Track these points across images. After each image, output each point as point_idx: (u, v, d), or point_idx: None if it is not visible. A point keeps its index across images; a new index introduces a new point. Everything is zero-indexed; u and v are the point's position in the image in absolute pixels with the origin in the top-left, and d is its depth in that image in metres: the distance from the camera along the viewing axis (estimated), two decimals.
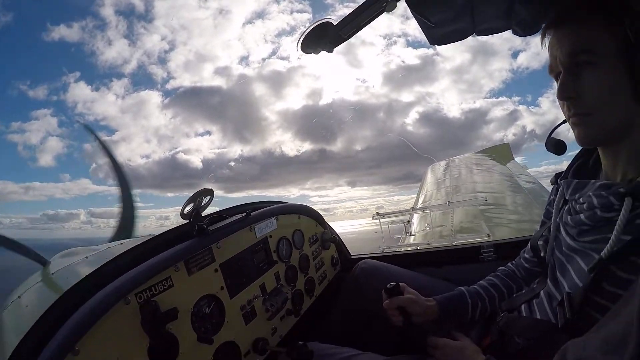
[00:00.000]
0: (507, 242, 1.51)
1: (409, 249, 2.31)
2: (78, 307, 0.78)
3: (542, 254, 0.98)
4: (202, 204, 1.10)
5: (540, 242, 1.01)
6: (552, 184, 1.01)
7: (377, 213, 2.59)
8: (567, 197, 0.89)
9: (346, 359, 1.03)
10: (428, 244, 2.68)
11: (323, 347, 1.08)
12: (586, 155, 0.93)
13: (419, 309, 1.11)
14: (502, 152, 8.17)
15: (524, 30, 0.98)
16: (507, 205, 4.14)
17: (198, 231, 1.05)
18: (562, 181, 0.91)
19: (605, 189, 0.76)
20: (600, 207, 0.76)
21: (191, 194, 1.07)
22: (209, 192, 1.10)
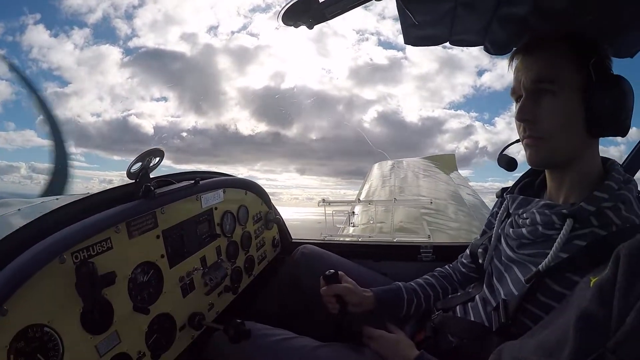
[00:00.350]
0: (446, 245, 1.64)
1: (350, 239, 2.39)
2: (8, 263, 0.66)
3: (480, 261, 1.03)
4: (151, 164, 1.01)
5: (480, 250, 1.05)
6: (497, 197, 1.08)
7: (323, 200, 2.63)
8: (510, 211, 0.95)
9: (282, 341, 1.02)
10: (369, 237, 2.80)
11: (259, 327, 1.06)
12: (533, 175, 0.99)
13: (356, 299, 1.13)
14: (447, 162, 8.47)
15: (494, 49, 1.05)
16: (448, 212, 4.40)
17: (144, 192, 0.96)
18: (507, 195, 0.97)
19: (549, 208, 0.81)
20: (543, 224, 0.82)
21: (142, 153, 0.98)
22: (159, 153, 1.01)
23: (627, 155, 1.29)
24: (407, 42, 1.06)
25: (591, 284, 0.50)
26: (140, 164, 0.97)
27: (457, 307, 1.03)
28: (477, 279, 1.09)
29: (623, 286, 0.44)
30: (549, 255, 0.76)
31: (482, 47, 1.08)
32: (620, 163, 0.97)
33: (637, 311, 0.41)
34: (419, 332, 1.10)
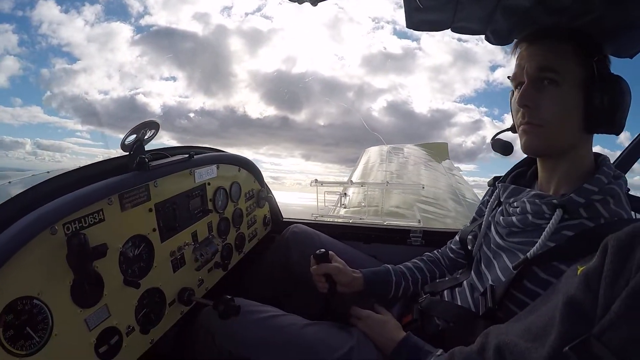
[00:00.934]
0: (436, 230, 1.64)
1: (341, 221, 2.38)
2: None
3: (470, 247, 1.06)
4: (146, 136, 0.97)
5: (469, 237, 1.08)
6: (489, 186, 1.10)
7: (316, 180, 2.61)
8: (501, 200, 0.96)
9: (271, 318, 1.02)
10: (360, 219, 2.82)
11: (249, 303, 1.05)
12: (526, 166, 1.01)
13: (345, 279, 1.13)
14: (439, 150, 8.46)
15: (495, 39, 1.05)
16: (439, 200, 4.46)
17: (138, 165, 0.93)
18: (499, 184, 0.98)
19: (539, 198, 0.83)
20: (533, 213, 0.83)
21: (137, 125, 0.94)
22: (155, 126, 0.97)
23: (620, 153, 1.33)
24: (409, 25, 1.04)
25: (578, 272, 0.52)
26: (135, 135, 0.93)
27: (445, 292, 1.05)
28: (465, 265, 1.11)
29: (609, 275, 0.46)
30: (538, 244, 0.78)
31: (484, 35, 1.07)
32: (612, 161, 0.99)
33: (622, 300, 0.42)
34: (405, 314, 1.11)
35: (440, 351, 0.83)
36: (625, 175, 0.85)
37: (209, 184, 1.23)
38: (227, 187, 1.34)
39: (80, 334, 0.75)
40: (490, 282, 0.90)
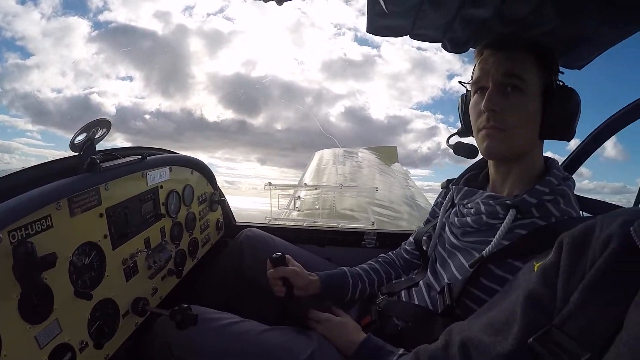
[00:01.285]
0: (389, 232, 1.66)
1: (295, 224, 2.34)
2: None
3: (425, 248, 1.08)
4: (97, 136, 0.90)
5: (424, 238, 1.10)
6: (442, 188, 1.14)
7: (269, 183, 2.55)
8: (455, 201, 1.00)
9: (228, 326, 0.99)
10: (314, 222, 2.79)
11: (205, 310, 1.01)
12: (477, 169, 1.05)
13: (302, 282, 1.12)
14: (389, 153, 8.52)
15: (452, 47, 1.09)
16: (393, 204, 4.54)
17: (89, 166, 0.86)
18: (453, 186, 1.02)
19: (493, 199, 0.86)
20: (487, 214, 0.86)
21: (87, 123, 0.87)
22: (106, 124, 0.92)
23: (566, 157, 1.39)
24: (369, 30, 1.06)
25: (535, 268, 0.55)
26: (85, 135, 0.87)
27: (402, 292, 1.06)
28: (420, 265, 1.14)
29: (566, 271, 0.49)
30: (492, 242, 0.81)
31: (441, 43, 1.11)
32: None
33: (580, 292, 0.46)
34: (363, 316, 1.11)
35: (401, 350, 0.85)
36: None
37: (161, 187, 1.18)
38: (179, 190, 1.29)
39: (30, 353, 0.68)
40: (446, 280, 0.92)
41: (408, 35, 1.09)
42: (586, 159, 1.36)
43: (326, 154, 7.43)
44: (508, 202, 0.83)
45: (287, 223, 2.70)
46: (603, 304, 0.44)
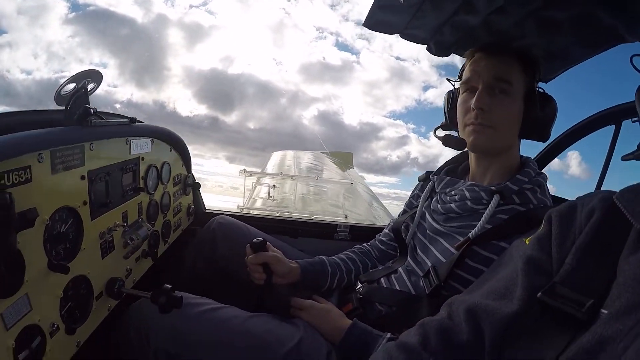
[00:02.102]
0: (361, 226, 1.66)
1: (268, 214, 2.21)
2: None
3: (404, 236, 1.11)
4: (89, 88, 0.78)
5: (402, 227, 1.13)
6: (420, 181, 1.19)
7: (245, 170, 2.38)
8: (437, 190, 1.04)
9: (210, 311, 0.91)
10: (288, 212, 2.67)
11: (186, 295, 0.90)
12: (455, 163, 1.12)
13: (283, 269, 1.08)
14: (345, 159, 8.65)
15: (437, 50, 1.15)
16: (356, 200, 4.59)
17: (81, 116, 0.74)
18: (434, 177, 1.07)
19: (477, 186, 0.92)
20: (472, 199, 0.91)
21: (75, 74, 0.76)
22: (97, 76, 0.80)
23: (537, 154, 1.51)
24: (366, 23, 1.07)
25: (527, 241, 0.62)
26: (74, 85, 0.74)
27: (382, 279, 1.07)
28: (395, 255, 1.17)
29: (558, 238, 0.57)
30: (478, 225, 0.86)
31: (426, 45, 1.16)
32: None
33: (573, 254, 0.54)
34: (343, 304, 1.09)
35: (388, 335, 0.85)
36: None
37: (142, 159, 1.04)
38: (158, 167, 1.15)
39: None
40: (429, 264, 0.94)
41: (399, 34, 1.12)
42: (551, 160, 1.53)
43: (283, 155, 7.33)
44: (492, 187, 0.90)
45: (260, 213, 2.57)
46: (596, 261, 0.51)
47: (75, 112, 0.73)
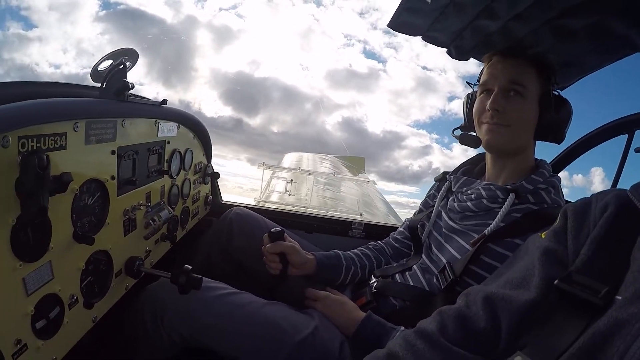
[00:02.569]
0: (376, 224, 1.64)
1: (283, 208, 2.20)
2: None
3: (419, 235, 1.12)
4: (126, 65, 0.78)
5: (418, 225, 1.14)
6: (436, 181, 1.20)
7: (264, 163, 2.38)
8: (454, 190, 1.05)
9: (227, 295, 0.91)
10: (304, 207, 2.67)
11: (204, 279, 0.89)
12: (471, 165, 1.13)
13: (299, 260, 1.08)
14: (357, 163, 8.71)
15: (456, 54, 1.16)
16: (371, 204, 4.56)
17: (119, 91, 0.73)
18: (451, 176, 1.08)
19: (493, 185, 0.94)
20: (488, 198, 0.93)
21: (112, 51, 0.76)
22: (134, 55, 0.81)
23: (553, 158, 1.51)
24: (390, 24, 1.09)
25: (542, 236, 0.64)
26: (111, 62, 0.74)
27: (396, 275, 1.07)
28: (409, 253, 1.17)
29: (573, 230, 0.59)
30: (494, 222, 0.87)
31: (446, 49, 1.18)
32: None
33: (588, 245, 0.55)
34: (357, 298, 1.08)
35: (402, 328, 0.85)
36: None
37: (168, 142, 1.04)
38: (182, 152, 1.15)
39: (16, 298, 0.53)
40: (445, 261, 0.95)
41: (421, 36, 1.14)
42: (569, 164, 1.52)
43: (297, 156, 7.37)
44: (508, 186, 0.91)
45: (276, 206, 2.55)
46: (611, 252, 0.53)
47: (112, 87, 0.73)
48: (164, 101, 0.95)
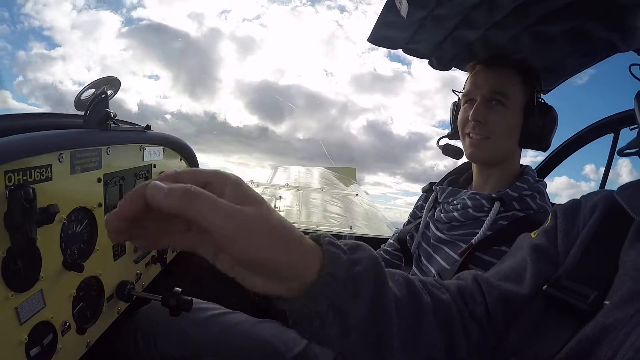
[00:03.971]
0: (366, 236, 1.67)
1: None
2: None
3: (409, 246, 1.12)
4: (108, 94, 0.81)
5: (407, 237, 1.14)
6: (423, 192, 1.20)
7: (252, 181, 2.40)
8: (440, 200, 1.05)
9: (219, 315, 0.93)
10: (294, 223, 2.66)
11: (195, 300, 0.91)
12: (457, 173, 1.13)
13: None
14: (348, 174, 8.73)
15: (438, 64, 1.18)
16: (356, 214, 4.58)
17: (102, 119, 0.76)
18: (437, 187, 1.09)
19: (478, 194, 0.94)
20: (473, 207, 0.92)
21: (95, 80, 0.79)
22: (116, 83, 0.84)
23: (537, 165, 1.52)
24: (370, 39, 1.11)
25: (533, 235, 0.64)
26: (93, 91, 0.77)
27: None
28: (400, 265, 1.17)
29: (563, 229, 0.59)
30: (480, 231, 0.87)
31: (428, 60, 1.20)
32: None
33: (578, 247, 0.55)
34: None
35: None
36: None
37: (154, 166, 1.07)
38: None
39: (9, 327, 0.55)
40: (434, 271, 0.96)
41: (402, 49, 1.16)
42: (556, 166, 1.53)
43: (287, 170, 7.39)
44: (493, 195, 0.91)
45: None
46: (599, 255, 0.53)
47: (95, 116, 0.76)
48: (148, 127, 0.98)
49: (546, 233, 0.62)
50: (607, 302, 0.47)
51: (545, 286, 0.53)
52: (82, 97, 0.77)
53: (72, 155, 0.69)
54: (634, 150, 0.64)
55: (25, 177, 0.58)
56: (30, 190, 0.55)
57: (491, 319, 0.56)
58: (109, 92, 0.82)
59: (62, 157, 0.66)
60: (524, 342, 0.53)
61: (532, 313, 0.54)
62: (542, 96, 0.99)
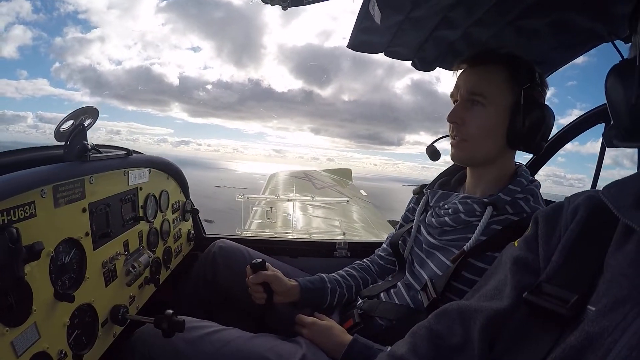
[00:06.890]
0: (360, 242, 1.69)
1: (266, 236, 2.22)
2: None
3: (401, 251, 1.12)
4: (85, 124, 0.83)
5: (399, 242, 1.13)
6: (414, 194, 1.18)
7: (242, 194, 2.42)
8: (431, 204, 1.03)
9: (214, 333, 0.93)
10: (287, 233, 2.70)
11: (188, 319, 0.92)
12: (449, 175, 1.11)
13: (282, 288, 1.09)
14: (343, 175, 8.90)
15: (421, 65, 1.19)
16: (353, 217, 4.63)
17: (80, 152, 0.79)
18: (428, 190, 1.07)
19: (470, 199, 0.92)
20: (465, 212, 0.91)
21: (73, 111, 0.82)
22: (94, 113, 0.86)
23: (528, 160, 1.51)
24: (350, 45, 1.11)
25: (515, 244, 0.63)
26: (72, 122, 0.80)
27: (381, 294, 1.08)
28: (394, 269, 1.18)
29: (544, 237, 0.58)
30: (473, 237, 0.85)
31: (411, 62, 1.20)
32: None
33: (560, 251, 0.55)
34: (345, 321, 1.09)
35: (389, 348, 0.83)
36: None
37: (140, 188, 1.09)
38: (157, 195, 1.20)
39: None
40: (426, 278, 0.95)
41: (383, 53, 1.17)
42: (543, 164, 1.52)
43: (285, 176, 7.42)
44: (485, 199, 0.89)
45: (259, 235, 2.58)
46: (582, 257, 0.52)
47: (74, 148, 0.78)
48: (130, 152, 1.01)
49: (526, 242, 0.61)
50: (591, 308, 0.47)
51: (525, 293, 0.53)
52: (61, 129, 0.79)
53: (55, 189, 0.71)
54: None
55: (9, 217, 0.60)
56: (14, 230, 0.58)
57: (472, 345, 0.57)
58: (86, 123, 0.85)
59: (45, 193, 0.68)
60: (507, 354, 0.53)
61: (515, 324, 0.54)
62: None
